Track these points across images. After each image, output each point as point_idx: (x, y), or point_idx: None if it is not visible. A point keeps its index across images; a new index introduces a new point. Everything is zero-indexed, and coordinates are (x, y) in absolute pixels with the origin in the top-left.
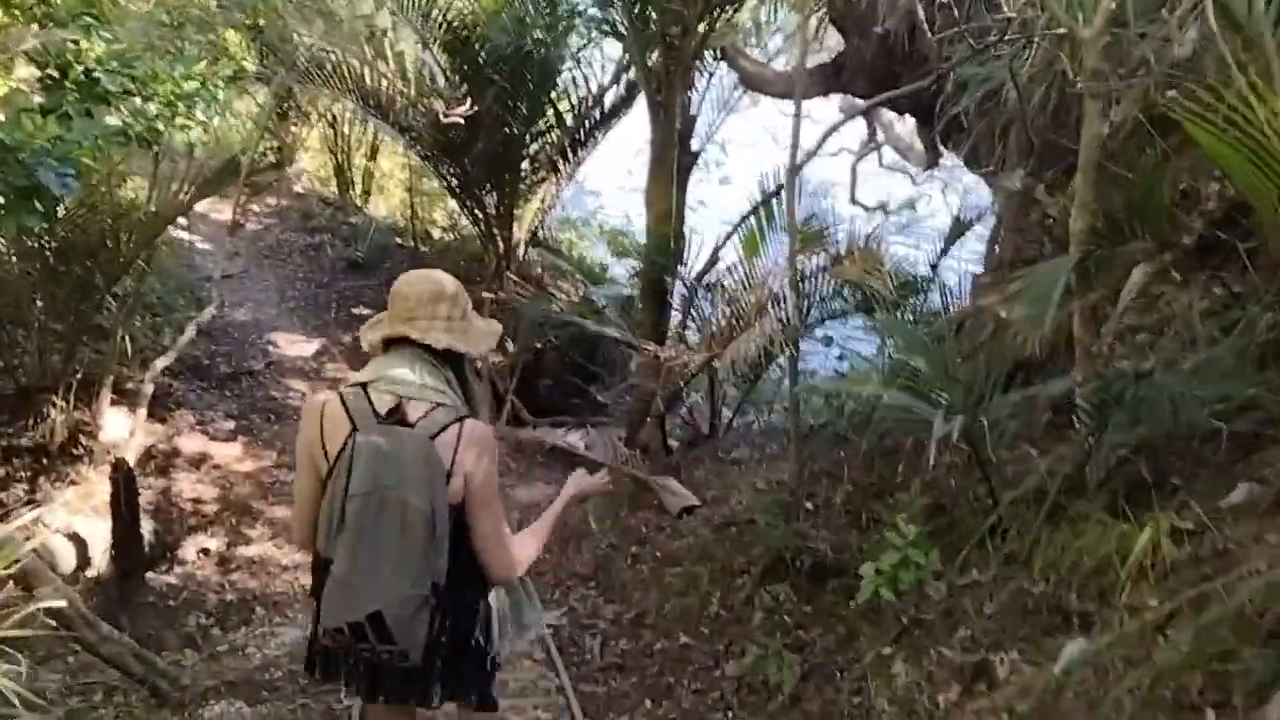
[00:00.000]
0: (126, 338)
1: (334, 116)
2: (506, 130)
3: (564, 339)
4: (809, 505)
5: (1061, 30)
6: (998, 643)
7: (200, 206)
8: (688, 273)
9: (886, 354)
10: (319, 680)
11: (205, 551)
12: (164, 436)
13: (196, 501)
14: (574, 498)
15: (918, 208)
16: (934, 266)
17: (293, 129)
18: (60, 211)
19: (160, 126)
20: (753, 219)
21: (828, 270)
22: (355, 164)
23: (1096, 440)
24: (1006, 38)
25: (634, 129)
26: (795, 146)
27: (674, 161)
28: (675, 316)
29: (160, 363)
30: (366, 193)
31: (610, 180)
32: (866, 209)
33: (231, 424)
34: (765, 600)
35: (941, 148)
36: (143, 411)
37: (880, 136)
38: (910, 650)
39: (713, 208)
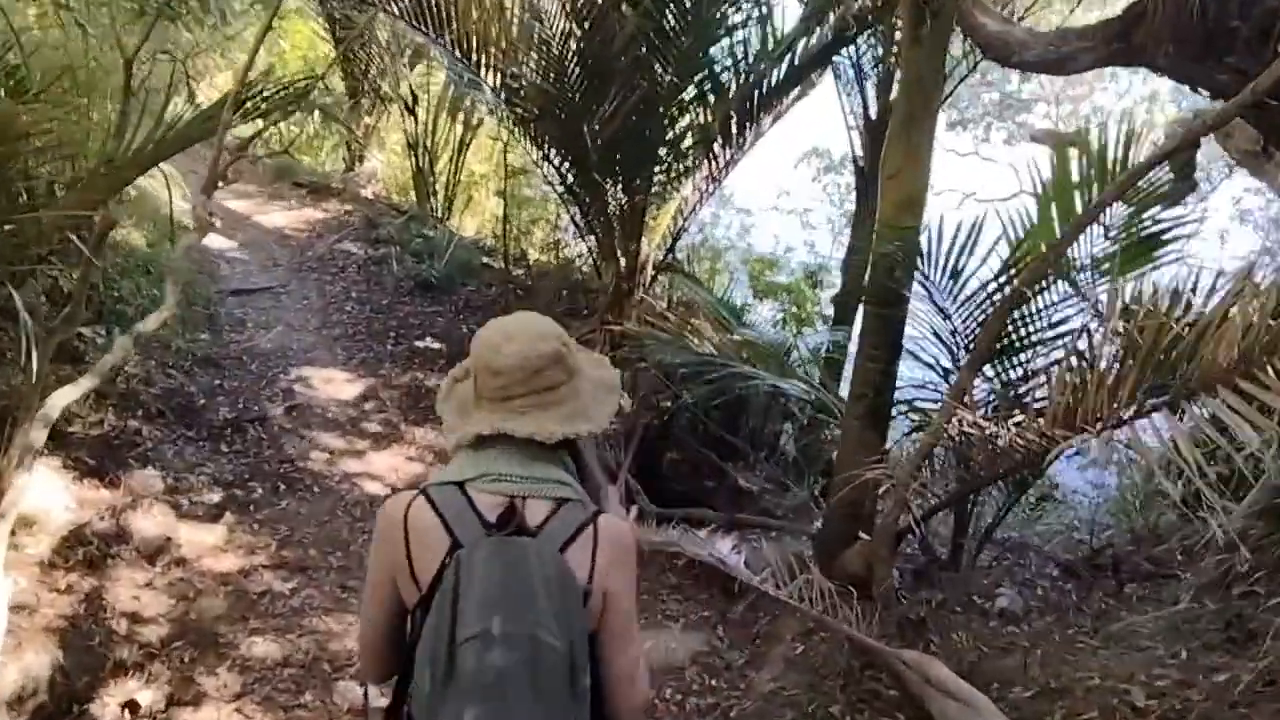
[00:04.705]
0: (48, 357)
1: (414, 98)
2: (645, 93)
3: (699, 399)
4: None
5: None
6: None
7: (243, 208)
8: (952, 293)
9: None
10: None
11: (131, 708)
12: (108, 509)
13: (135, 619)
14: None
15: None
16: None
17: (365, 119)
18: None
19: None
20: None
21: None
22: (439, 170)
23: None
24: None
25: (789, 133)
26: None
27: (935, 112)
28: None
29: (63, 396)
30: (450, 201)
31: (761, 197)
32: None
33: (218, 494)
34: None
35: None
36: (25, 475)
37: None
38: None
39: None
